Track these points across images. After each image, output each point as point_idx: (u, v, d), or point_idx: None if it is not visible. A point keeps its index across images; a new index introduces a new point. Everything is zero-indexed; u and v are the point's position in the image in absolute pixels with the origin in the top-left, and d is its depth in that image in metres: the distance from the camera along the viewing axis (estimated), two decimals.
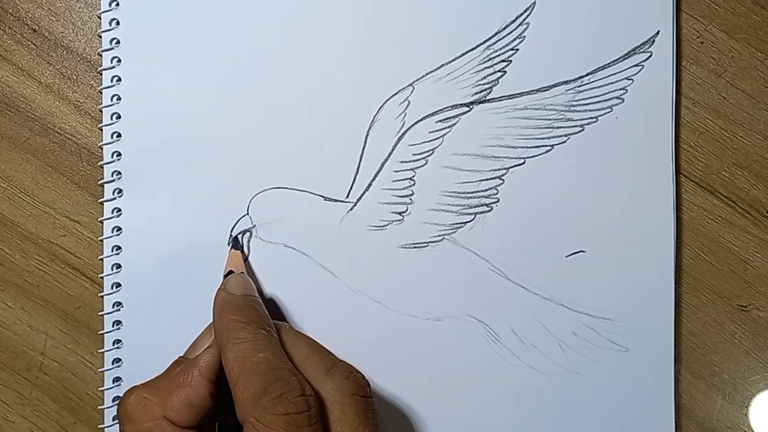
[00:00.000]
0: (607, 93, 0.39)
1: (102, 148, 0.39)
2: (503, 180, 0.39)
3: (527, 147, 0.39)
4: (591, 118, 0.39)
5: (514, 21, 0.39)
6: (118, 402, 0.34)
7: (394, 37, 0.39)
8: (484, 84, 0.39)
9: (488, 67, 0.39)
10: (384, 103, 0.39)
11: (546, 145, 0.39)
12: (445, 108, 0.39)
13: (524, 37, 0.39)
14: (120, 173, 0.39)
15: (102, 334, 0.39)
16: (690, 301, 0.40)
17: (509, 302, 0.39)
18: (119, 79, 0.39)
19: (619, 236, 0.39)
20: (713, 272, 0.40)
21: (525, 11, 0.39)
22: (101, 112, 0.40)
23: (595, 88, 0.39)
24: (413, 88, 0.39)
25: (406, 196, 0.39)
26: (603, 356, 0.39)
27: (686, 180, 0.40)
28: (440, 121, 0.39)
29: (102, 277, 0.39)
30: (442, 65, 0.39)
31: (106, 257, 0.39)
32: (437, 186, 0.39)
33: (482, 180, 0.39)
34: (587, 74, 0.39)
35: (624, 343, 0.39)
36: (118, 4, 0.39)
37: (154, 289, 0.39)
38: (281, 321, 0.38)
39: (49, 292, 0.40)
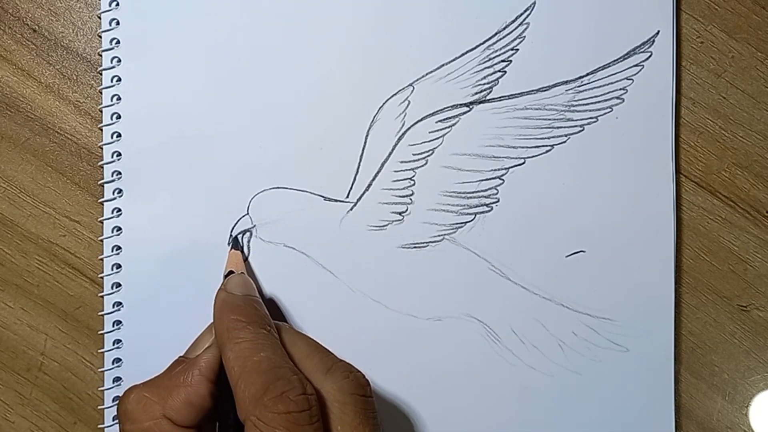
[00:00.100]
0: (607, 93, 0.39)
1: (102, 148, 0.39)
2: (503, 180, 0.39)
3: (527, 147, 0.39)
4: (591, 118, 0.39)
5: (514, 21, 0.39)
6: (118, 401, 0.34)
7: (394, 37, 0.39)
8: (484, 84, 0.39)
9: (488, 67, 0.39)
10: (384, 103, 0.39)
11: (546, 145, 0.39)
12: (445, 108, 0.39)
13: (524, 37, 0.39)
14: (120, 173, 0.39)
15: (102, 334, 0.39)
16: (690, 301, 0.40)
17: (509, 302, 0.39)
18: (119, 79, 0.39)
19: (619, 236, 0.39)
20: (713, 272, 0.40)
21: (525, 11, 0.39)
22: (101, 112, 0.40)
23: (595, 88, 0.39)
24: (413, 88, 0.39)
25: (406, 196, 0.39)
26: (603, 356, 0.39)
27: (686, 180, 0.40)
28: (440, 121, 0.39)
29: (102, 277, 0.39)
30: (442, 65, 0.39)
31: (106, 257, 0.39)
32: (437, 186, 0.39)
33: (482, 180, 0.39)
34: (587, 74, 0.39)
35: (624, 343, 0.39)
36: (118, 4, 0.39)
37: (154, 289, 0.39)
38: (281, 321, 0.38)
39: (49, 292, 0.40)
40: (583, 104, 0.39)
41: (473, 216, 0.39)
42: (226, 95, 0.39)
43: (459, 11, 0.39)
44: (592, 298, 0.39)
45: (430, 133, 0.39)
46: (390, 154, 0.39)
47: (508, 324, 0.39)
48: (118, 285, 0.39)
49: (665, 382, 0.39)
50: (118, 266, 0.39)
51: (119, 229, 0.39)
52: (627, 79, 0.39)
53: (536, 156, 0.39)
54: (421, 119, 0.39)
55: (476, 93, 0.39)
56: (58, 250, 0.40)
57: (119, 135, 0.39)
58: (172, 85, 0.39)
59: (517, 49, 0.39)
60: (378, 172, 0.39)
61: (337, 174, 0.39)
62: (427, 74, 0.39)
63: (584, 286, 0.39)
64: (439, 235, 0.39)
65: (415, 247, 0.39)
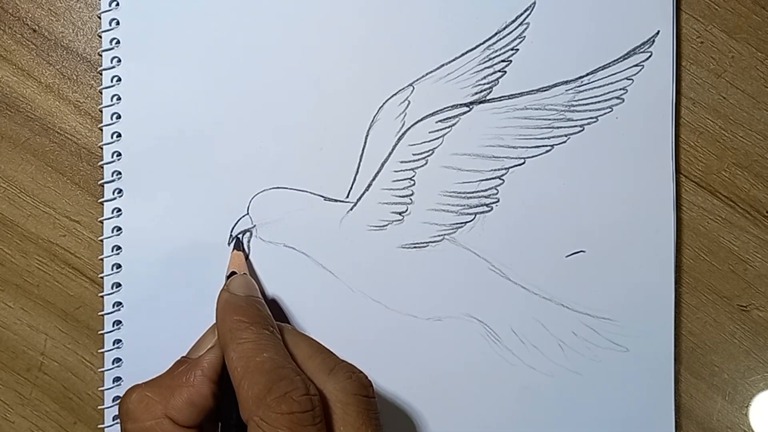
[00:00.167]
0: (607, 93, 0.39)
1: (102, 148, 0.39)
2: (503, 180, 0.39)
3: (527, 147, 0.39)
4: (591, 118, 0.39)
5: (514, 21, 0.39)
6: (119, 400, 0.34)
7: (394, 37, 0.39)
8: (484, 84, 0.39)
9: (488, 67, 0.39)
10: (384, 103, 0.39)
11: (546, 145, 0.39)
12: (445, 108, 0.39)
13: (524, 37, 0.39)
14: (120, 173, 0.39)
15: (102, 334, 0.39)
16: (690, 301, 0.40)
17: (509, 302, 0.39)
18: (119, 79, 0.39)
19: (619, 236, 0.39)
20: (713, 272, 0.40)
21: (525, 11, 0.39)
22: (101, 112, 0.40)
23: (595, 88, 0.39)
24: (413, 88, 0.39)
25: (406, 196, 0.39)
26: (603, 356, 0.39)
27: (686, 180, 0.40)
28: (440, 121, 0.39)
29: (102, 277, 0.39)
30: (442, 65, 0.39)
31: (106, 257, 0.39)
32: (437, 186, 0.39)
33: (482, 180, 0.39)
34: (587, 74, 0.39)
35: (624, 343, 0.39)
36: (118, 4, 0.39)
37: (154, 289, 0.39)
38: (283, 322, 0.38)
39: (49, 292, 0.40)
40: (583, 104, 0.39)
41: (473, 216, 0.39)
42: (225, 95, 0.39)
43: (459, 11, 0.39)
44: (592, 298, 0.39)
45: (430, 133, 0.39)
46: (390, 154, 0.39)
47: (508, 324, 0.39)
48: (118, 285, 0.39)
49: (665, 382, 0.39)
50: (118, 266, 0.39)
51: (119, 229, 0.39)
52: (627, 79, 0.39)
53: (536, 156, 0.39)
54: (421, 119, 0.39)
55: (476, 93, 0.39)
56: (58, 250, 0.40)
57: (119, 135, 0.39)
58: (172, 85, 0.39)
59: (517, 49, 0.39)
60: (378, 172, 0.39)
61: (337, 174, 0.39)
62: (427, 74, 0.39)
63: (584, 286, 0.39)
64: (439, 235, 0.39)
65: (415, 247, 0.39)
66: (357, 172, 0.39)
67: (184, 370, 0.33)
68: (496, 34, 0.39)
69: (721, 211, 0.40)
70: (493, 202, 0.39)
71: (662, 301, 0.39)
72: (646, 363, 0.39)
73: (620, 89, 0.39)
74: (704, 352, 0.40)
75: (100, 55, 0.39)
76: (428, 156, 0.39)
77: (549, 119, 0.39)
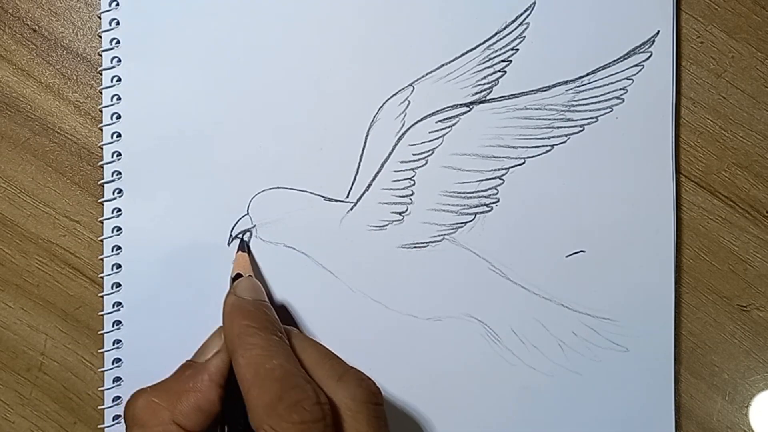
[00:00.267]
0: (607, 93, 0.39)
1: (102, 148, 0.39)
2: (503, 180, 0.39)
3: (527, 147, 0.39)
4: (591, 118, 0.39)
5: (514, 21, 0.39)
6: (125, 405, 0.33)
7: (394, 37, 0.39)
8: (484, 84, 0.39)
9: (488, 67, 0.39)
10: (384, 103, 0.39)
11: (546, 145, 0.39)
12: (445, 108, 0.39)
13: (524, 37, 0.39)
14: (120, 173, 0.39)
15: (102, 334, 0.39)
16: (690, 301, 0.40)
17: (509, 302, 0.39)
18: (119, 79, 0.39)
19: (619, 236, 0.39)
20: (713, 272, 0.40)
21: (525, 11, 0.39)
22: (101, 112, 0.40)
23: (595, 88, 0.39)
24: (413, 88, 0.39)
25: (406, 196, 0.39)
26: (603, 356, 0.39)
27: (686, 180, 0.40)
28: (440, 121, 0.39)
29: (102, 277, 0.39)
30: (442, 65, 0.39)
31: (106, 257, 0.39)
32: (437, 186, 0.39)
33: (482, 180, 0.39)
34: (587, 74, 0.39)
35: (624, 343, 0.39)
36: (118, 4, 0.39)
37: (154, 289, 0.39)
38: (286, 323, 0.38)
39: (49, 292, 0.40)
40: (583, 104, 0.39)
41: (473, 216, 0.39)
42: (225, 95, 0.39)
43: (459, 11, 0.39)
44: (592, 298, 0.39)
45: (430, 133, 0.39)
46: (390, 154, 0.39)
47: (508, 324, 0.39)
48: (118, 285, 0.39)
49: (665, 382, 0.39)
50: (118, 266, 0.39)
51: (119, 229, 0.39)
52: (627, 79, 0.39)
53: (536, 156, 0.39)
54: (421, 119, 0.39)
55: (476, 93, 0.39)
56: (58, 250, 0.40)
57: (119, 135, 0.39)
58: (172, 85, 0.39)
59: (517, 49, 0.39)
60: (378, 172, 0.39)
61: (337, 174, 0.39)
62: (427, 74, 0.39)
63: (584, 286, 0.39)
64: (439, 235, 0.39)
65: (415, 247, 0.39)
66: (357, 172, 0.39)
67: (190, 374, 0.33)
68: (496, 34, 0.39)
69: (721, 211, 0.40)
70: (493, 202, 0.39)
71: (662, 301, 0.39)
72: (646, 363, 0.39)
73: (620, 89, 0.39)
74: (704, 352, 0.40)
75: (100, 55, 0.39)
76: (428, 156, 0.39)
77: (549, 119, 0.39)
